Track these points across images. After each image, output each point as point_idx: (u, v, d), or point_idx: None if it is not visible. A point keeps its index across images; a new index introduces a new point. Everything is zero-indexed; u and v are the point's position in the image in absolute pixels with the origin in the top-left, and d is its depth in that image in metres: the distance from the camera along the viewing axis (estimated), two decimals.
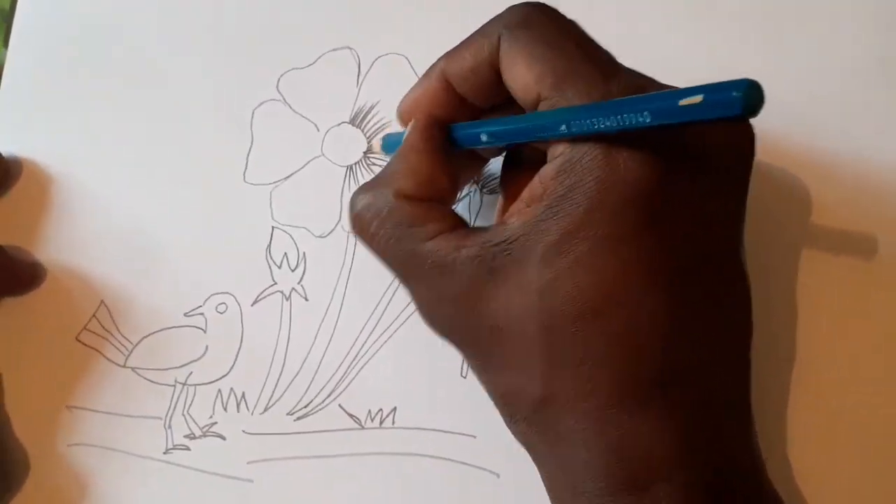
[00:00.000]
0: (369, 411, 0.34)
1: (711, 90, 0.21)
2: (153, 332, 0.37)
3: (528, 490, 0.31)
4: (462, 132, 0.29)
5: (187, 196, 0.38)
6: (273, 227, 0.37)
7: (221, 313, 0.37)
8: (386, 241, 0.28)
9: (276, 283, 0.37)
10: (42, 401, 0.37)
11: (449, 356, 0.34)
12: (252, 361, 0.36)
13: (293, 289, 0.36)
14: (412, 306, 0.35)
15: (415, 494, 0.33)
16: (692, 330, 0.25)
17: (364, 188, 0.29)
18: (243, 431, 0.35)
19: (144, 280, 0.38)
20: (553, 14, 0.27)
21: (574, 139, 0.25)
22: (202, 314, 0.37)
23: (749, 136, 0.27)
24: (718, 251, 0.26)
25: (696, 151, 0.25)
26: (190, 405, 0.36)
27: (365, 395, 0.34)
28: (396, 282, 0.35)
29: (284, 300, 0.36)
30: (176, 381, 0.36)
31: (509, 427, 0.27)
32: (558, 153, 0.25)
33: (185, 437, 0.35)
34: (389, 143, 0.34)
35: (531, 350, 0.25)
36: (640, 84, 0.25)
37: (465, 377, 0.34)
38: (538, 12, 0.27)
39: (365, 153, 0.37)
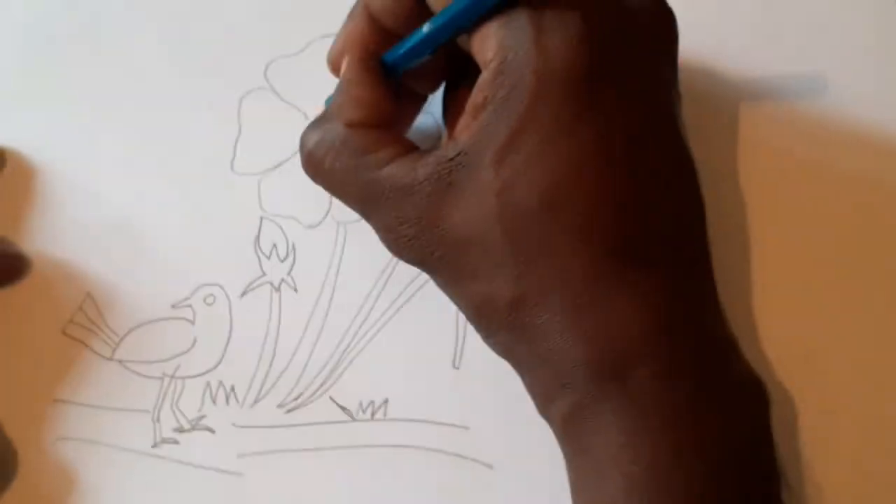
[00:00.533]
0: (360, 403, 0.34)
1: None
2: (141, 325, 0.37)
3: (521, 481, 0.32)
4: (394, 54, 0.30)
5: (174, 186, 0.38)
6: (262, 218, 0.37)
7: (210, 305, 0.36)
8: (343, 172, 0.28)
9: (265, 274, 0.36)
10: (28, 395, 0.37)
11: (441, 347, 0.34)
12: (241, 353, 0.36)
13: (283, 280, 0.36)
14: (403, 297, 0.35)
15: (407, 486, 0.33)
16: (647, 209, 0.25)
17: (312, 126, 0.30)
18: (233, 424, 0.35)
19: (131, 271, 0.37)
20: None
21: (502, 31, 0.26)
22: (190, 306, 0.36)
23: (666, 16, 0.28)
24: (660, 126, 0.27)
25: (623, 24, 0.26)
26: (178, 398, 0.35)
27: (356, 387, 0.34)
28: (386, 274, 0.35)
29: (274, 291, 0.36)
30: (164, 373, 0.36)
31: (488, 343, 0.28)
32: (490, 57, 0.26)
33: (174, 430, 0.35)
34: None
35: (498, 253, 0.25)
36: None
37: (457, 368, 0.34)
38: None
39: None
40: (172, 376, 0.36)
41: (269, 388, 0.35)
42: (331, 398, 0.34)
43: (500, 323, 0.26)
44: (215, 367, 0.36)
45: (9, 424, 0.36)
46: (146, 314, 0.37)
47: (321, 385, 0.34)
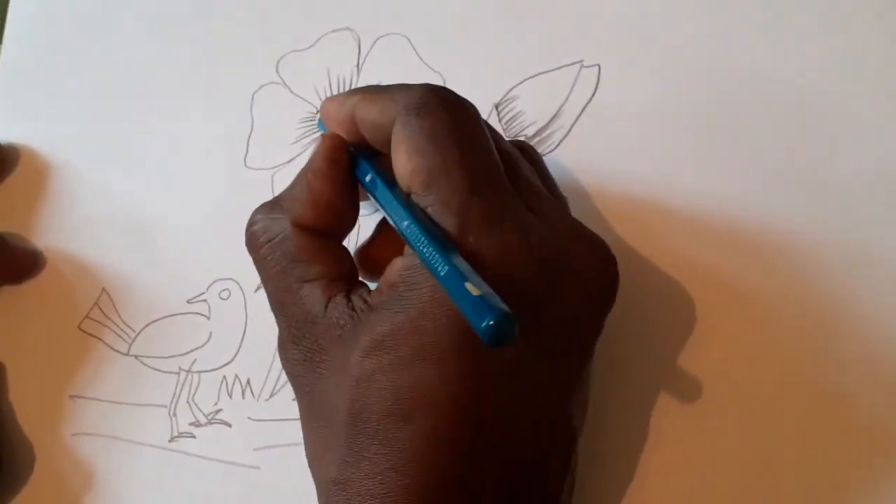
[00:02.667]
0: None
1: (476, 306, 0.22)
2: (156, 320, 0.37)
3: None
4: (360, 174, 0.29)
5: (188, 181, 0.39)
6: None
7: (225, 300, 0.37)
8: (271, 267, 0.28)
9: None
10: (45, 391, 0.37)
11: None
12: (257, 347, 0.36)
13: None
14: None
15: None
16: (494, 467, 0.25)
17: (264, 207, 0.29)
18: (249, 418, 0.35)
19: (146, 267, 0.38)
20: (453, 104, 0.27)
21: None
22: (205, 301, 0.37)
23: (608, 284, 0.27)
24: (546, 391, 0.26)
25: (554, 278, 0.26)
26: (195, 392, 0.36)
27: None
28: None
29: None
30: (180, 368, 0.36)
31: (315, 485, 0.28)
32: (409, 251, 0.26)
33: (191, 424, 0.36)
34: (322, 125, 0.33)
35: (338, 430, 0.25)
36: (501, 207, 0.26)
37: None
38: (438, 100, 0.27)
39: None
40: (188, 371, 0.36)
41: (284, 381, 0.35)
42: None
43: (321, 484, 0.27)
44: (231, 361, 0.36)
45: (26, 420, 0.37)
46: (162, 309, 0.37)
47: None
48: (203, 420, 0.35)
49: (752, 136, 0.34)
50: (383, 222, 0.31)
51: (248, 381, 0.35)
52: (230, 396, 0.36)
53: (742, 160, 0.34)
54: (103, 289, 0.38)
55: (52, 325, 0.38)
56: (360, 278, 0.29)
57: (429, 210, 0.25)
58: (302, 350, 0.27)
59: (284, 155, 0.38)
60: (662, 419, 0.31)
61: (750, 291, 0.32)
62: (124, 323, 0.37)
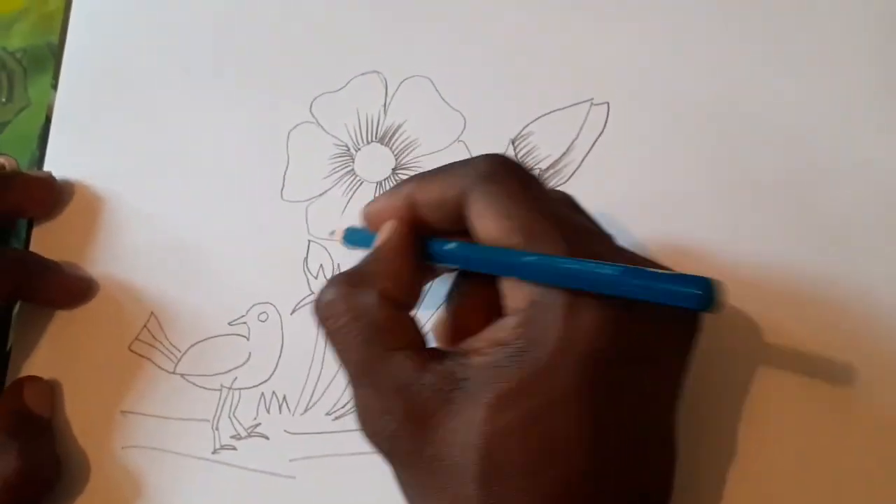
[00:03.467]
0: None
1: (677, 282, 0.22)
2: (200, 341, 0.38)
3: None
4: (437, 250, 0.29)
5: (230, 213, 0.40)
6: (309, 241, 0.38)
7: (263, 322, 0.38)
8: (353, 337, 0.27)
9: (313, 293, 0.38)
10: (98, 407, 0.38)
11: None
12: (292, 366, 0.37)
13: None
14: (441, 310, 0.36)
15: None
16: (615, 495, 0.25)
17: (341, 281, 0.28)
18: (285, 431, 0.36)
19: (191, 292, 0.39)
20: (518, 168, 0.28)
21: (539, 288, 0.26)
22: (245, 323, 0.38)
23: (697, 325, 0.28)
24: (652, 420, 0.26)
25: (649, 319, 0.26)
26: (235, 408, 0.37)
27: None
28: (426, 287, 0.35)
29: None
30: (222, 385, 0.37)
31: None
32: (519, 306, 0.26)
33: (232, 437, 0.37)
34: (351, 236, 0.34)
35: (467, 490, 0.24)
36: (595, 251, 0.26)
37: None
38: (506, 168, 0.28)
39: (392, 171, 0.39)
40: (230, 388, 0.37)
41: (318, 397, 0.36)
42: None
43: None
44: (268, 378, 0.37)
45: (80, 434, 0.38)
46: (205, 331, 0.38)
47: None
48: (243, 433, 0.36)
49: (756, 171, 0.34)
50: (454, 296, 0.31)
51: (285, 398, 0.37)
52: (268, 411, 0.36)
53: (748, 194, 0.34)
54: (151, 313, 0.39)
55: (105, 346, 0.39)
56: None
57: None
58: (397, 419, 0.26)
59: (317, 188, 0.39)
60: (746, 428, 0.32)
61: (761, 317, 0.33)
62: (171, 344, 0.38)
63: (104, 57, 0.45)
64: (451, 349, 0.27)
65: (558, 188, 0.36)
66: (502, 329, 0.26)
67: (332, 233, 0.36)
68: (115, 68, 0.44)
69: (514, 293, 0.27)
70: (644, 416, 0.26)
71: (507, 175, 0.28)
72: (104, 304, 0.40)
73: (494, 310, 0.28)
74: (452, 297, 0.31)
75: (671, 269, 0.26)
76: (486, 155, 0.29)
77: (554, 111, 0.38)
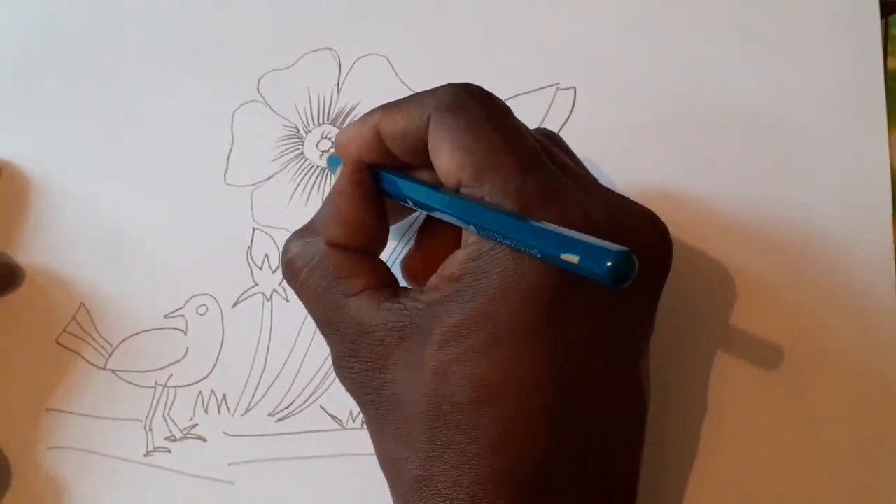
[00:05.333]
0: (350, 412, 0.34)
1: (588, 254, 0.22)
2: (133, 335, 0.37)
3: None
4: (389, 187, 0.30)
5: (167, 197, 0.39)
6: (254, 228, 0.37)
7: (202, 315, 0.37)
8: (313, 290, 0.28)
9: (257, 285, 0.37)
10: (21, 404, 0.37)
11: None
12: (233, 363, 0.36)
13: (274, 290, 0.36)
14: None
15: None
16: (576, 438, 0.25)
17: (296, 234, 0.29)
18: (224, 433, 0.35)
19: (124, 282, 0.38)
20: (483, 98, 0.28)
21: None
22: (183, 316, 0.37)
23: (666, 253, 0.28)
24: (616, 361, 0.26)
25: None
26: (170, 407, 0.36)
27: (346, 396, 0.34)
28: None
29: (265, 301, 0.36)
30: (156, 383, 0.36)
31: (391, 494, 0.27)
32: (472, 242, 0.26)
33: (166, 439, 0.35)
34: (333, 162, 0.33)
35: (417, 427, 0.25)
36: (555, 187, 0.26)
37: None
38: (468, 96, 0.27)
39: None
40: (165, 385, 0.36)
41: (260, 396, 0.35)
42: (321, 407, 0.35)
43: (401, 490, 0.26)
44: (207, 376, 0.36)
45: (2, 433, 0.37)
46: (139, 324, 0.37)
47: (312, 394, 0.35)
48: (178, 435, 0.35)
49: (725, 156, 0.35)
50: (422, 231, 0.32)
51: (224, 397, 0.36)
52: (206, 411, 0.36)
53: (715, 180, 0.34)
54: (81, 303, 0.38)
55: (30, 338, 0.38)
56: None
57: (485, 199, 0.25)
58: (360, 360, 0.27)
59: (264, 172, 0.38)
60: (720, 391, 0.32)
61: (720, 306, 0.33)
62: (102, 337, 0.37)
63: (32, 29, 0.43)
64: (412, 288, 0.28)
65: None
66: (453, 264, 0.26)
67: (322, 154, 0.36)
68: (44, 42, 0.43)
69: (466, 232, 0.27)
70: (603, 356, 0.26)
71: (469, 104, 0.27)
72: (30, 293, 0.39)
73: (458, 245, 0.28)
74: (417, 233, 0.32)
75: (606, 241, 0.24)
76: (452, 83, 0.28)
77: (518, 95, 0.37)
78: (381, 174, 0.30)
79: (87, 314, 0.38)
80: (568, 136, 0.35)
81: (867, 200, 0.33)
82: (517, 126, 0.27)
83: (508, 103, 0.35)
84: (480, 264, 0.25)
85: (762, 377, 0.32)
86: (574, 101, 0.36)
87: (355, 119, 0.31)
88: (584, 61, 0.37)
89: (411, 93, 0.37)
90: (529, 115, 0.36)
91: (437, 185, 0.28)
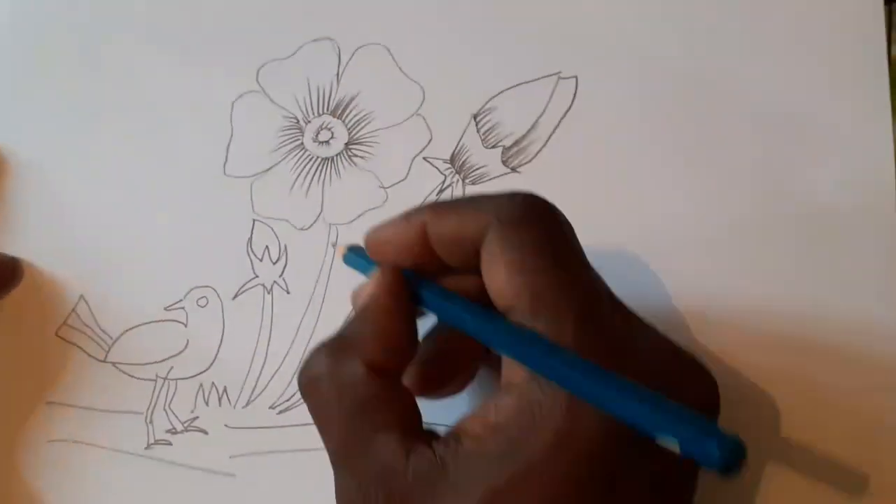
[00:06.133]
0: None
1: (691, 438, 0.20)
2: (133, 327, 0.37)
3: None
4: (429, 297, 0.27)
5: (167, 189, 0.38)
6: (254, 220, 0.37)
7: (202, 307, 0.36)
8: (336, 414, 0.25)
9: (257, 276, 0.36)
10: (22, 397, 0.37)
11: None
12: (234, 355, 0.36)
13: (275, 282, 0.36)
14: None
15: None
16: None
17: (328, 349, 0.27)
18: (225, 425, 0.35)
19: (124, 274, 0.38)
20: (550, 217, 0.26)
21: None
22: (183, 308, 0.37)
23: (716, 407, 0.26)
24: None
25: None
26: (171, 400, 0.36)
27: None
28: None
29: (266, 293, 0.36)
30: (157, 375, 0.36)
31: None
32: (519, 385, 0.24)
33: (167, 431, 0.35)
34: (352, 258, 0.31)
35: None
36: (619, 337, 0.24)
37: None
38: (535, 212, 0.26)
39: (345, 146, 0.37)
40: (165, 378, 0.36)
41: (261, 389, 0.35)
42: None
43: None
44: (208, 368, 0.36)
45: (3, 426, 0.37)
46: (139, 316, 0.37)
47: None
48: (179, 427, 0.35)
49: (728, 146, 0.34)
50: (433, 334, 0.29)
51: (225, 389, 0.35)
52: (207, 404, 0.35)
53: (719, 169, 0.34)
54: (81, 296, 0.37)
55: (30, 331, 0.37)
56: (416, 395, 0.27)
57: (542, 335, 0.23)
58: (378, 501, 0.24)
59: (263, 163, 0.38)
60: None
61: (723, 294, 0.33)
62: (102, 330, 0.37)
63: (30, 24, 0.43)
64: (442, 434, 0.25)
65: (523, 166, 0.36)
66: (498, 409, 0.24)
67: (335, 245, 0.35)
68: (42, 38, 0.42)
69: (510, 372, 0.24)
70: None
71: (533, 220, 0.25)
72: (30, 287, 0.38)
73: (473, 358, 0.27)
74: (430, 338, 0.29)
75: (695, 411, 0.22)
76: (516, 193, 0.26)
77: (519, 84, 0.37)
78: (420, 286, 0.27)
79: (87, 306, 0.37)
80: (569, 126, 0.36)
81: (871, 189, 0.33)
82: (581, 257, 0.26)
83: (509, 93, 0.36)
84: (532, 416, 0.23)
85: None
86: (576, 91, 0.36)
87: (393, 218, 0.28)
88: (586, 50, 0.36)
89: (410, 86, 0.37)
90: (531, 104, 0.36)
91: (482, 308, 0.26)
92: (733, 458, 0.20)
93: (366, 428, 0.25)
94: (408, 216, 0.27)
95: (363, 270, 0.30)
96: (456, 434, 0.24)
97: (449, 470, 0.23)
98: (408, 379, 0.28)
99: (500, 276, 0.25)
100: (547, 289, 0.24)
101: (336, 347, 0.27)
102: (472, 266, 0.26)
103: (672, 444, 0.21)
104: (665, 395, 0.22)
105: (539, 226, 0.25)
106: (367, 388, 0.25)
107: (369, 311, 0.27)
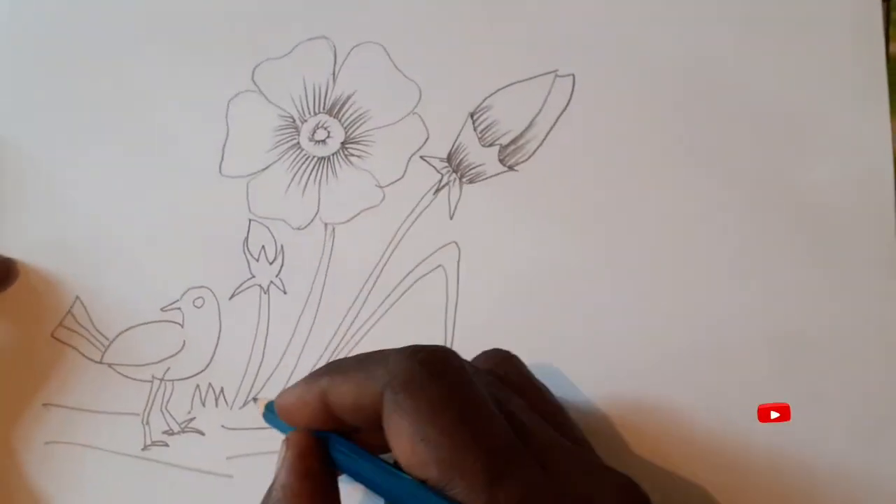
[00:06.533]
0: None
1: None
2: (130, 328, 0.37)
3: None
4: (343, 460, 0.27)
5: (163, 188, 0.38)
6: (250, 220, 0.37)
7: (199, 308, 0.36)
8: None
9: (253, 276, 0.36)
10: (17, 398, 0.37)
11: None
12: (230, 356, 0.36)
13: (271, 282, 0.36)
14: (391, 298, 0.35)
15: None
16: None
17: None
18: (222, 426, 0.35)
19: (120, 275, 0.37)
20: (441, 373, 0.25)
21: None
22: (179, 309, 0.36)
23: None
24: None
25: None
26: (168, 401, 0.36)
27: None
28: (375, 276, 0.35)
29: (262, 293, 0.36)
30: (153, 376, 0.36)
31: None
32: None
33: (164, 433, 0.35)
34: (271, 416, 0.30)
35: None
36: (528, 493, 0.23)
37: None
38: (425, 374, 0.24)
39: (341, 145, 0.37)
40: (162, 379, 0.36)
41: (258, 389, 0.35)
42: None
43: None
44: (204, 369, 0.36)
45: None
46: (135, 317, 0.37)
47: None
48: (176, 428, 0.35)
49: (726, 144, 0.34)
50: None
51: (222, 390, 0.35)
52: (203, 405, 0.35)
53: (716, 168, 0.34)
54: (77, 297, 0.37)
55: (25, 332, 0.37)
56: None
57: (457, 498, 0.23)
58: None
59: (259, 162, 0.38)
60: None
61: (721, 293, 0.32)
62: (97, 331, 0.37)
63: (25, 22, 0.42)
64: None
65: (520, 164, 0.35)
66: None
67: (255, 401, 0.35)
68: (38, 36, 0.42)
69: None
70: None
71: (426, 382, 0.24)
72: (25, 288, 0.38)
73: None
74: None
75: None
76: (404, 351, 0.25)
77: (516, 83, 0.37)
78: (333, 446, 0.27)
79: (82, 308, 0.37)
80: (567, 124, 0.36)
81: (869, 186, 0.33)
82: (482, 405, 0.25)
83: (506, 91, 0.36)
84: None
85: None
86: (573, 88, 0.36)
87: (298, 381, 0.27)
88: (583, 47, 0.36)
89: (406, 84, 0.37)
90: (528, 102, 0.36)
91: (394, 472, 0.25)
92: None
93: None
94: (308, 381, 0.27)
95: (282, 430, 0.28)
96: None
97: None
98: None
99: (404, 448, 0.24)
100: (453, 455, 0.23)
101: None
102: (381, 427, 0.25)
103: None
104: None
105: (435, 385, 0.24)
106: None
107: (275, 492, 0.26)
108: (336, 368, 0.27)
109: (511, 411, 0.26)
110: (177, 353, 0.36)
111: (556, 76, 0.36)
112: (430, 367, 0.25)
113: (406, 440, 0.24)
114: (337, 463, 0.27)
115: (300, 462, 0.26)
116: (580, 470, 0.25)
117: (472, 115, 0.36)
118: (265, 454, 0.34)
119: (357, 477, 0.26)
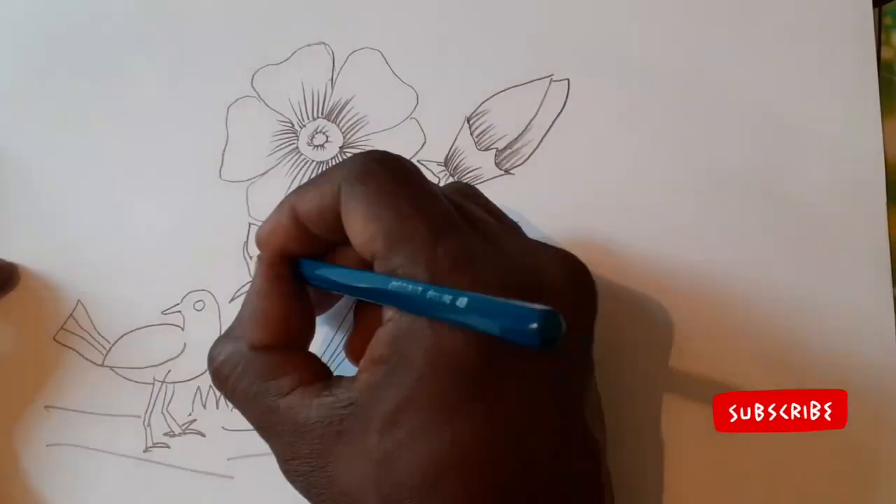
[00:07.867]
0: None
1: (510, 320, 0.21)
2: (131, 331, 0.37)
3: None
4: (309, 273, 0.29)
5: (164, 193, 0.38)
6: (250, 224, 0.37)
7: (199, 310, 0.37)
8: (244, 396, 0.27)
9: None
10: (20, 401, 0.37)
11: None
12: None
13: None
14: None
15: None
16: (535, 500, 0.24)
17: (220, 340, 0.29)
18: (223, 428, 0.35)
19: (121, 279, 0.38)
20: (391, 163, 0.27)
21: None
22: (180, 312, 0.37)
23: (587, 298, 0.27)
24: (559, 415, 0.25)
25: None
26: (169, 403, 0.36)
27: None
28: None
29: None
30: (154, 379, 0.36)
31: None
32: (388, 317, 0.25)
33: (165, 434, 0.35)
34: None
35: None
36: (468, 252, 0.25)
37: None
38: (377, 165, 0.27)
39: (340, 150, 0.37)
40: (163, 381, 0.36)
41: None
42: None
43: None
44: (205, 371, 0.35)
45: (1, 431, 0.37)
46: (136, 320, 0.37)
47: None
48: (177, 430, 0.35)
49: (720, 148, 0.34)
50: (357, 310, 0.30)
51: None
52: (204, 406, 0.35)
53: (710, 171, 0.34)
54: (78, 300, 0.37)
55: (28, 336, 0.38)
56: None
57: (398, 272, 0.25)
58: (303, 461, 0.26)
59: (259, 167, 0.38)
60: (674, 426, 0.32)
61: (717, 295, 0.33)
62: (99, 334, 0.37)
63: (26, 27, 0.42)
64: (343, 376, 0.27)
65: (516, 167, 0.36)
66: (378, 344, 0.25)
67: (252, 257, 0.36)
68: (38, 40, 0.42)
69: (385, 309, 0.26)
70: (546, 412, 0.25)
71: (377, 171, 0.27)
72: (28, 292, 0.38)
73: None
74: (354, 313, 0.31)
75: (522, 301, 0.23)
76: (359, 153, 0.28)
77: (512, 87, 0.37)
78: (299, 261, 0.29)
79: (84, 311, 0.37)
80: (562, 128, 0.36)
81: (861, 191, 0.33)
82: (428, 188, 0.27)
83: (502, 95, 0.36)
84: (402, 343, 0.25)
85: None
86: (568, 93, 0.36)
87: (273, 210, 0.30)
88: (579, 52, 0.37)
89: (404, 89, 0.38)
90: (524, 107, 0.36)
91: (353, 270, 0.27)
92: (549, 330, 0.20)
93: (270, 398, 0.27)
94: (279, 205, 0.29)
95: None
96: (363, 367, 0.26)
97: (347, 407, 0.25)
98: (346, 354, 0.30)
99: (357, 228, 0.26)
100: (397, 225, 0.25)
101: (226, 336, 0.29)
102: (344, 234, 0.27)
103: (493, 327, 0.22)
104: (527, 292, 0.24)
105: (382, 173, 0.26)
106: (259, 364, 0.27)
107: (249, 297, 0.29)
108: (301, 185, 0.29)
109: (460, 204, 0.28)
110: (178, 356, 0.36)
111: (552, 81, 0.36)
112: (382, 162, 0.27)
113: (358, 221, 0.26)
114: (305, 277, 0.29)
115: (270, 269, 0.29)
116: (525, 248, 0.27)
117: (468, 120, 0.37)
118: (266, 455, 0.33)
119: (322, 282, 0.28)
